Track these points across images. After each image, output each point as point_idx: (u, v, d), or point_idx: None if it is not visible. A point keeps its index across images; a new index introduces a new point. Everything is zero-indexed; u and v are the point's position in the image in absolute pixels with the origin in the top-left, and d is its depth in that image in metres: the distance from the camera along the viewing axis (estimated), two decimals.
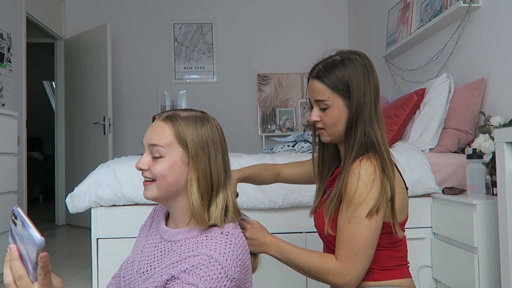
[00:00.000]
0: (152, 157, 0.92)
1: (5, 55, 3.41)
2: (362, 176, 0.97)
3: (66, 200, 2.01)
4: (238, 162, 1.98)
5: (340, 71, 1.04)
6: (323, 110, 1.06)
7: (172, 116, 0.93)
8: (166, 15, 4.68)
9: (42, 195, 6.78)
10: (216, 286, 0.81)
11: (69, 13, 4.64)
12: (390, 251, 1.04)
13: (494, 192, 1.73)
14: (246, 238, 1.01)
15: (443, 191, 1.89)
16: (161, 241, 0.97)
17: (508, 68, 2.08)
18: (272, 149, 2.86)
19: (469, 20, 2.40)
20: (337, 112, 1.05)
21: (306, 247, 1.94)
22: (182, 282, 0.81)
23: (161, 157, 0.91)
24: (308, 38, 4.74)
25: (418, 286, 1.11)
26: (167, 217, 1.03)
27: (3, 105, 3.33)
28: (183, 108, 0.95)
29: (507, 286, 1.34)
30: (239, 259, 0.88)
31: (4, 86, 3.37)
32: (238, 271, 0.86)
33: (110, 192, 1.91)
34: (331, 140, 1.10)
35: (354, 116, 1.03)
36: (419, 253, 1.95)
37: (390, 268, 1.04)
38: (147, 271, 0.93)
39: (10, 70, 3.48)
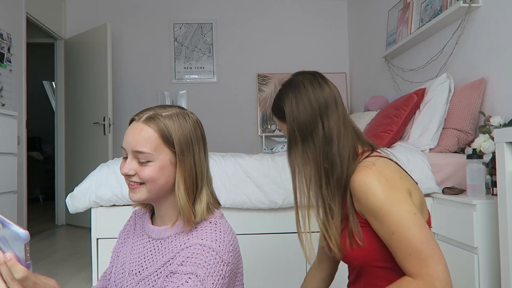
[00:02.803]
0: (139, 162, 0.89)
1: (5, 55, 3.41)
2: (368, 186, 0.90)
3: (66, 200, 2.01)
4: (238, 162, 1.98)
5: (279, 99, 1.04)
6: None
7: (154, 117, 0.89)
8: (166, 15, 4.68)
9: (42, 195, 6.79)
10: (214, 271, 0.82)
11: (69, 13, 4.64)
12: None
13: (494, 192, 1.73)
14: None
15: (443, 191, 1.89)
16: (149, 241, 0.96)
17: (508, 68, 2.08)
18: (272, 149, 2.86)
19: (469, 20, 2.40)
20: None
21: None
22: (180, 274, 0.81)
23: (149, 161, 0.88)
24: (308, 38, 4.74)
25: None
26: (152, 215, 1.02)
27: (3, 105, 3.33)
28: (160, 105, 0.96)
29: (507, 286, 1.34)
30: (231, 245, 0.89)
31: (4, 86, 3.37)
32: (231, 256, 0.87)
33: (110, 192, 1.91)
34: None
35: (292, 136, 1.00)
36: None
37: None
38: (139, 272, 0.93)
39: (10, 70, 3.48)
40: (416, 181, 1.01)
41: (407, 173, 1.01)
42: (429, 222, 0.99)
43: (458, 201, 1.74)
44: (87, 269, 2.61)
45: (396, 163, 1.01)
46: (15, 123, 2.61)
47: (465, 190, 1.89)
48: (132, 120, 0.92)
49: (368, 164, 0.93)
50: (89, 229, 2.31)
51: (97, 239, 1.96)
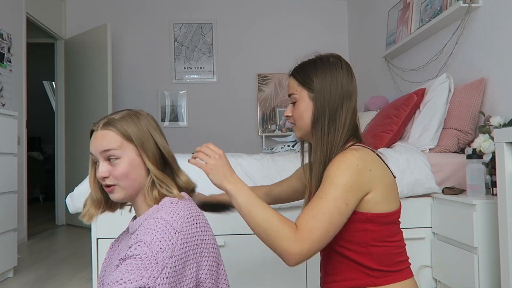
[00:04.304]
0: (109, 162, 0.96)
1: (5, 55, 3.41)
2: (342, 159, 0.99)
3: (66, 200, 2.01)
4: (238, 162, 1.98)
5: (310, 68, 1.11)
6: (294, 104, 1.13)
7: (109, 121, 0.98)
8: (166, 15, 4.68)
9: (42, 195, 6.79)
10: (162, 237, 0.85)
11: (69, 13, 4.64)
12: (389, 248, 1.03)
13: (494, 192, 1.73)
14: (209, 167, 1.00)
15: (443, 191, 1.89)
16: (130, 237, 1.02)
17: (508, 68, 2.08)
18: (272, 149, 2.86)
19: (469, 20, 2.40)
20: (302, 104, 1.10)
21: None
22: (133, 244, 0.86)
23: (117, 159, 0.96)
24: (308, 38, 4.74)
25: (418, 286, 1.10)
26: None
27: (3, 105, 3.33)
28: (113, 112, 1.11)
29: (507, 286, 1.34)
30: (186, 216, 0.93)
31: (4, 86, 3.37)
32: (186, 226, 0.91)
33: None
34: (301, 136, 1.14)
35: (319, 110, 1.06)
36: (419, 253, 1.95)
37: (392, 271, 1.03)
38: (119, 263, 0.98)
39: (10, 70, 3.48)
40: (394, 175, 1.10)
41: (387, 166, 1.08)
42: (398, 213, 1.06)
43: (458, 201, 1.74)
44: (87, 269, 2.61)
45: (378, 155, 1.07)
46: (15, 123, 2.60)
47: (465, 190, 1.89)
48: (91, 132, 1.01)
49: (356, 148, 1.03)
50: (89, 229, 2.31)
51: (97, 239, 1.96)
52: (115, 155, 0.95)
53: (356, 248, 1.01)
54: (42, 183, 6.76)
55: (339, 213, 0.95)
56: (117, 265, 0.86)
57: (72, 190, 2.01)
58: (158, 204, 0.98)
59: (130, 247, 0.87)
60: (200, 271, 0.93)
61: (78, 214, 2.08)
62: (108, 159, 0.96)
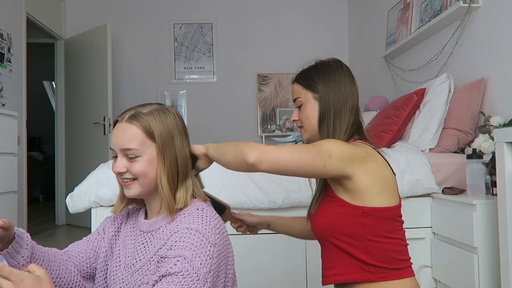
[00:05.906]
0: (128, 159, 0.94)
1: (5, 55, 3.41)
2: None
3: (66, 200, 2.01)
4: None
5: (313, 72, 1.17)
6: (300, 108, 1.18)
7: (136, 115, 0.95)
8: (166, 15, 4.68)
9: (42, 195, 6.79)
10: (201, 252, 0.85)
11: (69, 13, 4.64)
12: (387, 244, 1.03)
13: (494, 192, 1.73)
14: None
15: (443, 191, 1.89)
16: (140, 234, 1.00)
17: (508, 68, 2.08)
18: None
19: (469, 20, 2.40)
20: (308, 106, 1.15)
21: (306, 247, 1.94)
22: (169, 258, 0.85)
23: (137, 157, 0.93)
24: (308, 38, 4.74)
25: (419, 286, 1.10)
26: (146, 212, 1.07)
27: (3, 105, 3.33)
28: (140, 104, 1.03)
29: (507, 286, 1.34)
30: (217, 228, 0.92)
31: (4, 86, 3.37)
32: (218, 238, 0.90)
33: (110, 192, 1.91)
34: (309, 137, 1.18)
35: (325, 109, 1.12)
36: (419, 253, 1.95)
37: (389, 268, 1.02)
38: (133, 264, 0.97)
39: (10, 70, 3.48)
40: (395, 172, 1.14)
41: (388, 164, 1.12)
42: (397, 209, 1.07)
43: (458, 201, 1.74)
44: None
45: (379, 153, 1.12)
46: (15, 123, 2.61)
47: (465, 190, 1.89)
48: (116, 122, 0.98)
49: (356, 143, 1.09)
50: (89, 229, 2.31)
51: None
52: (135, 154, 0.93)
53: (352, 241, 1.02)
54: (42, 183, 6.76)
55: (318, 152, 0.98)
56: (156, 281, 0.85)
57: (72, 190, 2.01)
58: (180, 208, 0.95)
59: (164, 258, 0.86)
60: (226, 279, 0.94)
61: (78, 214, 2.08)
62: (127, 155, 0.94)
